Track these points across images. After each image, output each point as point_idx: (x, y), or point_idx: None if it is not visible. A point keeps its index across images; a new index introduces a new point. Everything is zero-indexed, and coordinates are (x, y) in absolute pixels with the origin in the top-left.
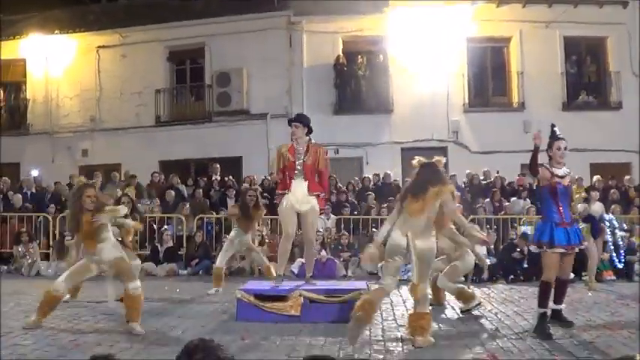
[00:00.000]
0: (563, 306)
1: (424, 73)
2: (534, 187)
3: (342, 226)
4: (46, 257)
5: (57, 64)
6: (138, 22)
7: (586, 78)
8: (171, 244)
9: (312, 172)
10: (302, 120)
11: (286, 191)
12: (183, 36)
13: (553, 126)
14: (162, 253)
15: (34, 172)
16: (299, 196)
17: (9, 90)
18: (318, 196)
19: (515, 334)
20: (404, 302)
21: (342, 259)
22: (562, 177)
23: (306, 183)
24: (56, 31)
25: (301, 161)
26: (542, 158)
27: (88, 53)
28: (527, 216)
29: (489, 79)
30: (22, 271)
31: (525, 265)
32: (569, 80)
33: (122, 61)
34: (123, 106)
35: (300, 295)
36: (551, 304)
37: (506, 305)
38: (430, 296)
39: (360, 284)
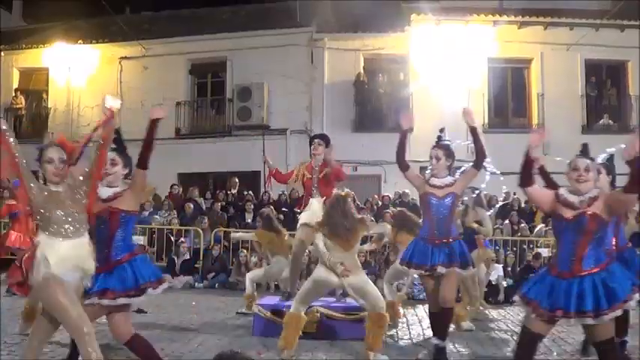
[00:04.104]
0: (444, 344)
1: (445, 92)
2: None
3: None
4: None
5: (79, 73)
6: (161, 35)
7: (606, 101)
8: (188, 256)
9: (328, 187)
10: (324, 138)
11: (304, 209)
12: (205, 49)
13: (441, 130)
14: (178, 265)
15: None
16: (317, 213)
17: (31, 98)
18: None
19: None
20: (420, 322)
21: None
22: (439, 187)
23: (323, 199)
24: (79, 41)
25: (317, 178)
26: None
27: (110, 64)
28: (545, 238)
29: (509, 100)
30: None
31: None
32: (589, 103)
33: (144, 73)
34: (143, 117)
35: (316, 312)
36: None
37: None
38: None
39: None
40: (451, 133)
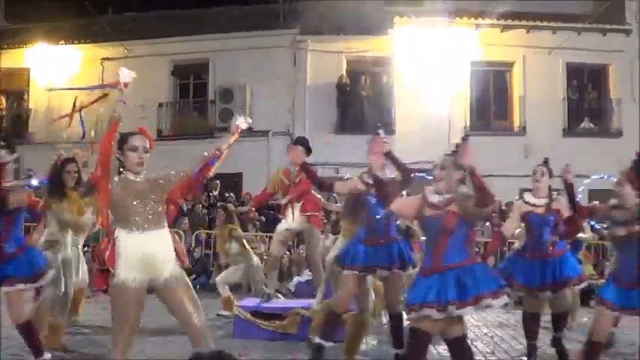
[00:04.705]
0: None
1: (427, 94)
2: None
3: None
4: None
5: (61, 74)
6: (143, 36)
7: (587, 104)
8: None
9: (305, 192)
10: (303, 143)
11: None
12: (187, 51)
13: (378, 127)
14: None
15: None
16: (294, 217)
17: (11, 99)
18: (313, 215)
19: (510, 358)
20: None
21: None
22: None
23: (300, 204)
24: (61, 42)
25: (294, 182)
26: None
27: (92, 65)
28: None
29: (491, 103)
30: None
31: None
32: (571, 106)
33: None
34: (125, 118)
35: (297, 314)
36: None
37: (502, 329)
38: None
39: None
40: (434, 135)
